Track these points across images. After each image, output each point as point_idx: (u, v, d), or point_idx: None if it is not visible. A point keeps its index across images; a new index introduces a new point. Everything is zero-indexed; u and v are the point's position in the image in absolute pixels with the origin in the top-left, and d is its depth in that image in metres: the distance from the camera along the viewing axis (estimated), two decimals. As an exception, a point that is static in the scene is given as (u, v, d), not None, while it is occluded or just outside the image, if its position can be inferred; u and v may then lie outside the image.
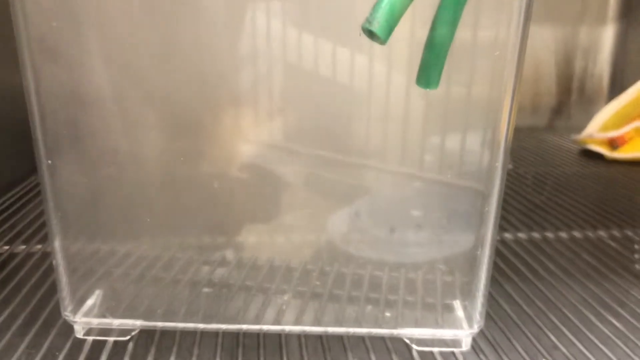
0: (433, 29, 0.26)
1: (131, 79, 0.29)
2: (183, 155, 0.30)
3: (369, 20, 0.26)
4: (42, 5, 0.27)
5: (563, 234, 0.48)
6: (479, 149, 0.29)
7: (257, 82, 0.29)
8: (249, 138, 0.31)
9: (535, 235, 0.47)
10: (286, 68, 0.29)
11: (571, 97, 0.92)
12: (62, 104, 0.28)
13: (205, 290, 0.33)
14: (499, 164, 0.28)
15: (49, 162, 0.28)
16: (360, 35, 0.26)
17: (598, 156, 0.72)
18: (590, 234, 0.48)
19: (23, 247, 0.43)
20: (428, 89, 0.27)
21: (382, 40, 0.26)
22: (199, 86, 0.29)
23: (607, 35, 0.90)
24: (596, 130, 0.73)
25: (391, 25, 0.26)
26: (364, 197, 0.33)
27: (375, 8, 0.26)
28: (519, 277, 0.40)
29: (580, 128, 0.78)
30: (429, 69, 0.27)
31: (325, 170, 0.31)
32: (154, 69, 0.29)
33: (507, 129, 0.28)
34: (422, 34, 0.26)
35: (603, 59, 0.91)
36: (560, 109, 0.92)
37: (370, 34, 0.26)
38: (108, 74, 0.28)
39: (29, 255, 0.42)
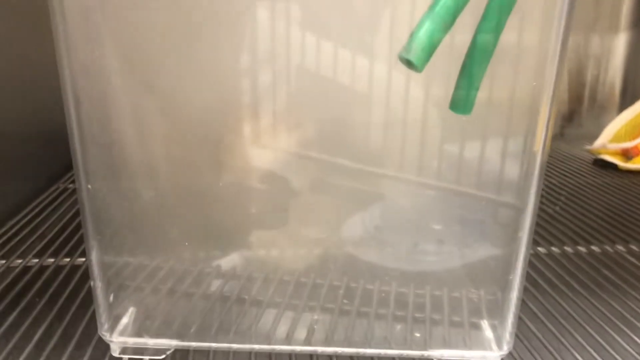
0: (470, 56, 0.27)
1: (156, 93, 0.29)
2: (206, 167, 0.31)
3: (406, 49, 0.26)
4: (84, 32, 0.28)
5: (582, 248, 0.48)
6: (514, 162, 0.29)
7: (276, 90, 0.29)
8: (275, 148, 0.31)
9: (555, 249, 0.48)
10: (303, 75, 0.29)
11: (583, 105, 0.92)
12: (99, 120, 0.29)
13: (234, 308, 0.34)
14: (534, 177, 0.28)
15: (89, 186, 0.29)
16: (396, 62, 0.27)
17: (612, 165, 0.73)
18: (608, 248, 0.48)
19: (52, 260, 0.44)
20: (462, 115, 0.27)
21: (419, 70, 0.27)
22: (220, 101, 0.30)
23: (620, 44, 0.90)
24: (608, 139, 0.74)
25: (428, 55, 0.27)
26: (388, 209, 0.33)
27: (412, 37, 0.26)
28: (540, 293, 0.40)
29: (592, 136, 0.78)
30: (465, 96, 0.27)
31: (350, 180, 0.32)
32: (176, 81, 0.29)
33: (544, 142, 0.28)
34: (445, 42, 0.26)
35: (615, 67, 0.91)
36: (571, 117, 0.92)
37: (408, 63, 0.27)
38: (132, 90, 0.29)
39: (59, 268, 0.43)
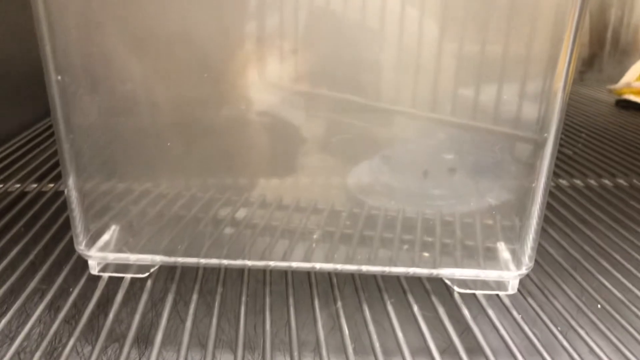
0: None
1: (149, 19, 0.26)
2: (204, 97, 0.28)
3: None
4: None
5: (606, 181, 0.45)
6: (536, 98, 0.26)
7: (282, 23, 0.26)
8: (274, 81, 0.28)
9: (577, 182, 0.44)
10: (313, 8, 0.26)
11: (604, 48, 0.87)
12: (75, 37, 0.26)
13: (228, 230, 0.31)
14: (557, 104, 0.25)
15: (59, 77, 0.25)
16: None
17: (634, 106, 0.68)
18: (636, 181, 0.45)
19: (34, 185, 0.41)
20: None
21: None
22: (219, 26, 0.26)
23: (647, -18, 0.85)
24: (634, 78, 0.69)
25: None
26: (399, 145, 0.30)
27: None
28: (563, 223, 0.37)
29: (612, 81, 0.74)
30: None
31: (361, 117, 0.29)
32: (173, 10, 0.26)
33: (566, 76, 0.25)
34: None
35: (640, 7, 0.86)
36: (591, 61, 0.87)
37: None
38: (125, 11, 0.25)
39: (41, 193, 0.40)
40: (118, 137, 0.28)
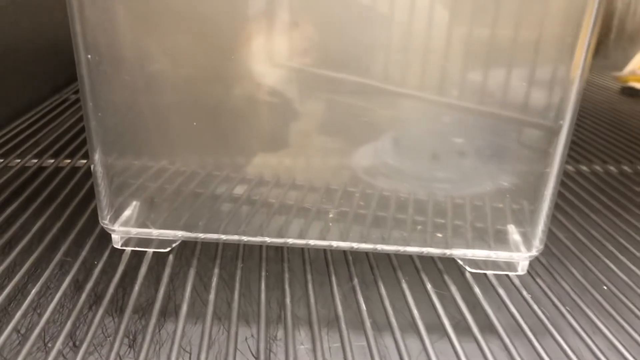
0: None
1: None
2: (225, 76, 0.28)
3: None
4: None
5: (611, 168, 0.45)
6: (552, 84, 0.26)
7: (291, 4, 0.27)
8: (290, 62, 0.29)
9: (583, 168, 0.45)
10: None
11: (610, 35, 0.87)
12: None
13: (245, 207, 0.32)
14: (571, 99, 0.26)
15: (89, 56, 0.26)
16: None
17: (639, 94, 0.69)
18: (640, 167, 0.46)
19: (51, 161, 0.42)
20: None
21: None
22: (243, 4, 0.27)
23: (655, -31, 0.85)
24: (639, 67, 0.70)
25: None
26: (408, 130, 0.31)
27: None
28: (570, 207, 0.38)
29: (617, 69, 0.74)
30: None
31: (369, 99, 0.29)
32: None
33: (584, 62, 0.25)
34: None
35: (648, -6, 0.86)
36: (597, 47, 0.87)
37: None
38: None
39: (58, 169, 0.40)
40: (143, 115, 0.29)
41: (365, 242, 0.30)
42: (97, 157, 0.28)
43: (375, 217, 0.32)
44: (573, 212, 0.37)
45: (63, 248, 0.30)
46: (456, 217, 0.31)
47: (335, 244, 0.29)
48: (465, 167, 0.31)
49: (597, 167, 0.45)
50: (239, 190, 0.32)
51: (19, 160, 0.41)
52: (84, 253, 0.30)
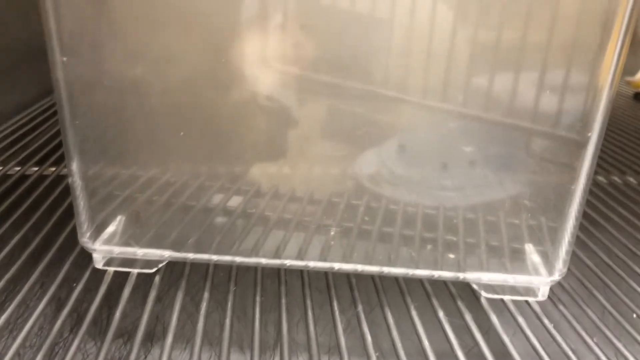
0: None
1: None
2: (210, 81, 0.26)
3: None
4: None
5: (631, 179, 0.43)
6: (580, 93, 0.24)
7: (287, 7, 0.24)
8: (284, 68, 0.26)
9: (601, 179, 0.42)
10: None
11: (621, 39, 0.85)
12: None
13: (240, 222, 0.29)
14: (600, 111, 0.23)
15: (64, 59, 0.23)
16: None
17: (654, 101, 0.67)
18: (661, 179, 0.43)
19: (35, 168, 0.39)
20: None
21: None
22: (225, 7, 0.25)
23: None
24: (653, 72, 0.67)
25: None
26: (424, 136, 0.29)
27: None
28: (590, 223, 0.35)
29: (630, 73, 0.71)
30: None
31: (373, 107, 0.27)
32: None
33: (615, 69, 0.23)
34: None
35: (661, -3, 0.83)
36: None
37: None
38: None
39: (42, 177, 0.38)
40: (126, 121, 0.26)
41: (370, 263, 0.27)
42: (74, 166, 0.26)
43: (380, 234, 0.30)
44: (593, 228, 0.34)
45: (44, 263, 0.28)
46: (469, 235, 0.29)
47: (337, 266, 0.27)
48: (482, 180, 0.28)
49: (616, 178, 0.43)
50: (233, 202, 0.30)
51: (0, 168, 0.39)
52: (65, 268, 0.28)
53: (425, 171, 0.30)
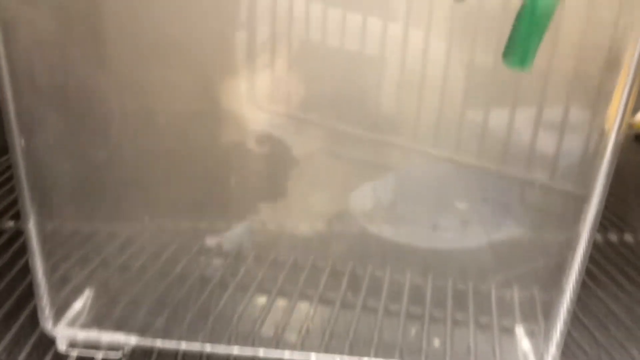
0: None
1: (134, 43, 0.23)
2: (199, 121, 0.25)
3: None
4: None
5: (629, 237, 0.41)
6: (581, 139, 0.22)
7: (276, 47, 0.23)
8: (275, 111, 0.25)
9: (597, 237, 0.41)
10: (308, 31, 0.23)
11: (620, 74, 0.84)
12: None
13: (216, 292, 0.28)
14: (604, 162, 0.21)
15: (23, 141, 0.22)
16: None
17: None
18: (661, 239, 0.41)
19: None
20: (521, 69, 0.20)
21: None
22: (212, 48, 0.24)
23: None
24: (653, 113, 0.66)
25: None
26: (409, 185, 0.28)
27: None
28: (585, 292, 0.33)
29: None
30: (524, 44, 0.20)
31: (361, 150, 0.26)
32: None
33: (623, 112, 0.21)
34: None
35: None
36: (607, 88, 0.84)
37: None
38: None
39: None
40: (96, 170, 0.25)
41: (350, 352, 0.25)
42: (31, 225, 0.24)
43: (364, 308, 0.29)
44: (586, 298, 0.33)
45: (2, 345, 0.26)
46: (458, 309, 0.27)
47: (314, 356, 0.25)
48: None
49: (613, 237, 0.41)
50: (209, 272, 0.29)
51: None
52: (26, 350, 0.26)
53: (415, 231, 0.29)
